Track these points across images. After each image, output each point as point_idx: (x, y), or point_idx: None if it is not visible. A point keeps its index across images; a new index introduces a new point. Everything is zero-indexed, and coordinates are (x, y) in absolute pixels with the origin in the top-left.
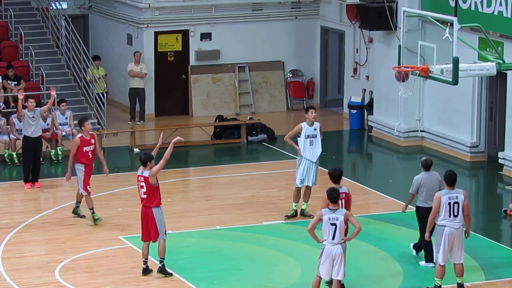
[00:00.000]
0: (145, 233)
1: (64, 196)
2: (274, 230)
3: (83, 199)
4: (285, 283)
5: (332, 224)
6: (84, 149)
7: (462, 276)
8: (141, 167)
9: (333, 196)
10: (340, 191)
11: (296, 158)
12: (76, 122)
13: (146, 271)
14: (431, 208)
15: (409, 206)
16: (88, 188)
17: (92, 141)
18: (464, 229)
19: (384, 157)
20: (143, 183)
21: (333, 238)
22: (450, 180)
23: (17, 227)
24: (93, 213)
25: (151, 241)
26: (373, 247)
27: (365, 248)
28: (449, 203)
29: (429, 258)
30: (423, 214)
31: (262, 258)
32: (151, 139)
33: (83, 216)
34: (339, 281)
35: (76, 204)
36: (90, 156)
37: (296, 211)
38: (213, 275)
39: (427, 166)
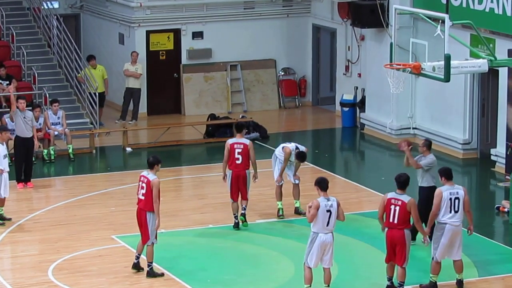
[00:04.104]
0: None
1: (56, 196)
2: (267, 228)
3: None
4: (279, 281)
5: (327, 211)
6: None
7: (462, 272)
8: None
9: (323, 186)
10: None
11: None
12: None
13: (136, 266)
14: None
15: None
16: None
17: None
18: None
19: (377, 155)
20: (144, 185)
21: (327, 225)
22: (449, 174)
23: (10, 227)
24: None
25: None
26: (366, 244)
27: (358, 246)
28: (450, 199)
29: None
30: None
31: (255, 256)
32: (144, 138)
33: None
34: (330, 269)
35: None
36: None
37: (282, 209)
38: (206, 273)
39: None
